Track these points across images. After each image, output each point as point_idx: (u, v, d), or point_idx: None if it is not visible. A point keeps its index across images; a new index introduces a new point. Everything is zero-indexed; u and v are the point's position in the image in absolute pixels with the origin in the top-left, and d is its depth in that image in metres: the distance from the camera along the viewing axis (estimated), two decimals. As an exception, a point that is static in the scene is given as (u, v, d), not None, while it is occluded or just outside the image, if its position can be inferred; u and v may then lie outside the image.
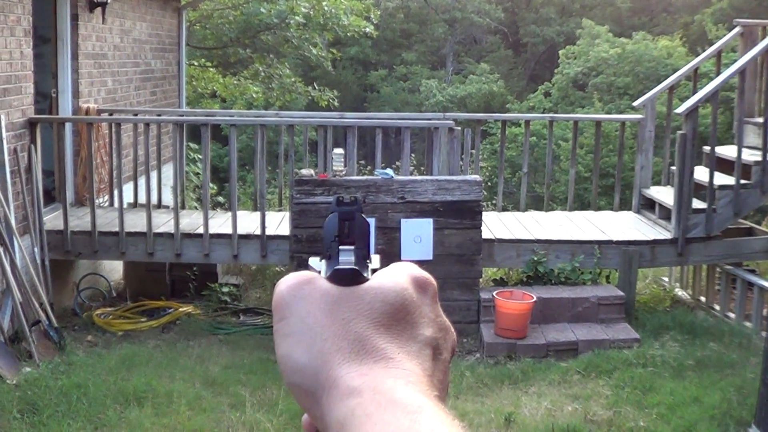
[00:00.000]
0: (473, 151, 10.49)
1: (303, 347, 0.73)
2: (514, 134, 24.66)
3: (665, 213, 9.52)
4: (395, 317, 0.74)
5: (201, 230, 9.09)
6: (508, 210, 11.30)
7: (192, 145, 14.98)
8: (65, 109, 9.91)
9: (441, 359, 0.76)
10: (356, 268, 0.76)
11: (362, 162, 13.50)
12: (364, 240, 0.79)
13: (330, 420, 0.69)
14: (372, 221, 8.36)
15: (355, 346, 0.72)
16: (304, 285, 0.76)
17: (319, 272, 0.78)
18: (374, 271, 0.78)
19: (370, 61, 35.65)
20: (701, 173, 9.21)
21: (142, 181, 9.69)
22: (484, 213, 9.17)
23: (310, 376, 0.72)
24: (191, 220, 9.60)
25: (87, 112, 10.00)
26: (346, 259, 0.77)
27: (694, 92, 9.56)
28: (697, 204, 9.10)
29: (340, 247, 0.78)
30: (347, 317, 0.73)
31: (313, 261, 0.81)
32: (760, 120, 9.17)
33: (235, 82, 19.55)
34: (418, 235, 8.58)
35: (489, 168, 19.39)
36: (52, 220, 9.19)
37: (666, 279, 10.73)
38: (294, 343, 0.74)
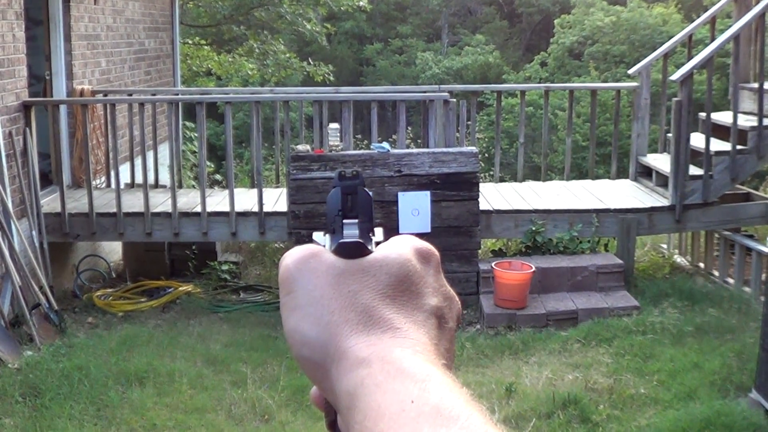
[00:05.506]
0: (469, 122, 10.48)
1: (311, 320, 0.74)
2: (511, 105, 24.59)
3: (662, 180, 9.51)
4: (400, 288, 0.75)
5: (199, 209, 9.08)
6: (505, 181, 11.29)
7: (188, 123, 14.96)
8: (59, 91, 9.88)
9: (447, 328, 0.77)
10: (360, 240, 0.76)
11: (359, 136, 13.47)
12: (367, 213, 0.79)
13: (340, 391, 0.70)
14: (369, 196, 8.35)
15: (363, 318, 0.72)
16: (309, 258, 0.77)
17: (324, 246, 0.78)
18: (378, 243, 0.79)
19: (365, 35, 35.51)
20: (697, 140, 9.21)
21: (138, 161, 9.67)
22: (481, 184, 9.17)
23: (318, 348, 0.73)
24: (189, 199, 9.59)
25: (81, 93, 9.97)
26: (350, 232, 0.77)
27: (689, 59, 9.52)
28: (694, 170, 9.09)
29: (344, 221, 0.78)
30: (353, 289, 0.74)
31: (317, 235, 0.81)
32: (755, 85, 9.15)
33: (230, 59, 19.50)
34: (415, 208, 8.58)
35: (486, 139, 19.38)
36: (50, 202, 9.18)
37: (665, 246, 10.74)
38: (302, 317, 0.74)
